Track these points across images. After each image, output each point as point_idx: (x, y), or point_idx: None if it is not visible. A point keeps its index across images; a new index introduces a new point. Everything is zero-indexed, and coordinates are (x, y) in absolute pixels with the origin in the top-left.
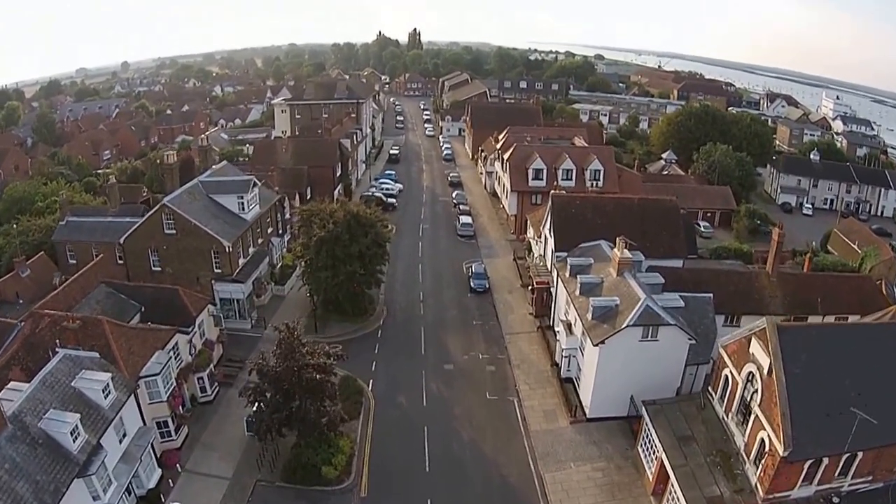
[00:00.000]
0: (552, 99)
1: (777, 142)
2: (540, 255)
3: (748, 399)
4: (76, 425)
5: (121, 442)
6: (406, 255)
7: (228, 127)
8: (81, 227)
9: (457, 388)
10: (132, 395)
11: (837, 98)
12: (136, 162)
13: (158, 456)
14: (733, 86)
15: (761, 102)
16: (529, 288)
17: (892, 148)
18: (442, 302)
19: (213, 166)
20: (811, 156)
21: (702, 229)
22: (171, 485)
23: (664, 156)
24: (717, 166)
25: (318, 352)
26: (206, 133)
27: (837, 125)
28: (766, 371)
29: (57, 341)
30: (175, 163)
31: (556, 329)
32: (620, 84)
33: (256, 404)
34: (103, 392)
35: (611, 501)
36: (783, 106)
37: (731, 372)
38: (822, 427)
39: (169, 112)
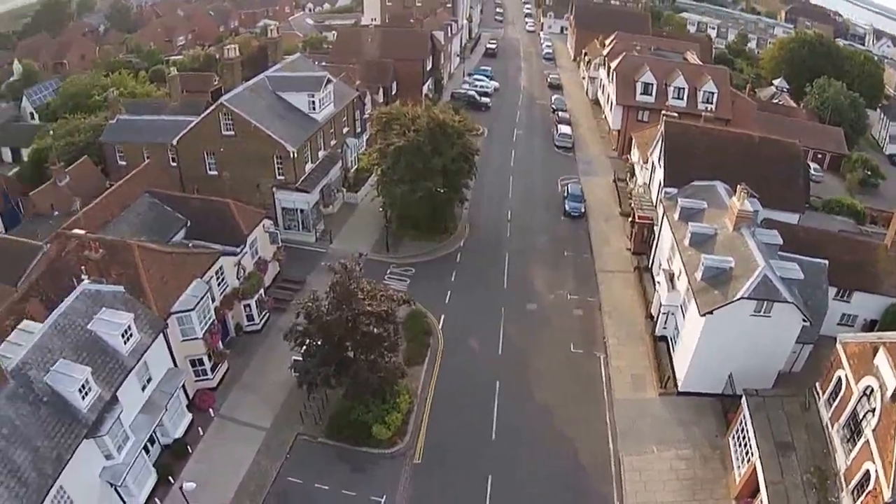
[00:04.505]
0: (659, 4)
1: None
2: (644, 185)
3: (860, 416)
4: (86, 380)
5: (144, 389)
6: (496, 164)
7: (316, 11)
8: (133, 127)
9: (538, 334)
10: (160, 335)
11: None
12: (210, 48)
13: (191, 397)
14: (841, 16)
15: (867, 38)
16: (630, 220)
17: None
18: (531, 225)
19: (286, 58)
20: None
21: (812, 172)
22: (202, 433)
23: (776, 83)
24: (830, 104)
25: (381, 295)
26: (291, 18)
27: None
28: (889, 394)
29: (82, 268)
30: (236, 58)
31: (657, 278)
32: None
33: (303, 349)
34: (123, 336)
35: (690, 502)
36: (889, 46)
37: (846, 377)
38: None
39: None
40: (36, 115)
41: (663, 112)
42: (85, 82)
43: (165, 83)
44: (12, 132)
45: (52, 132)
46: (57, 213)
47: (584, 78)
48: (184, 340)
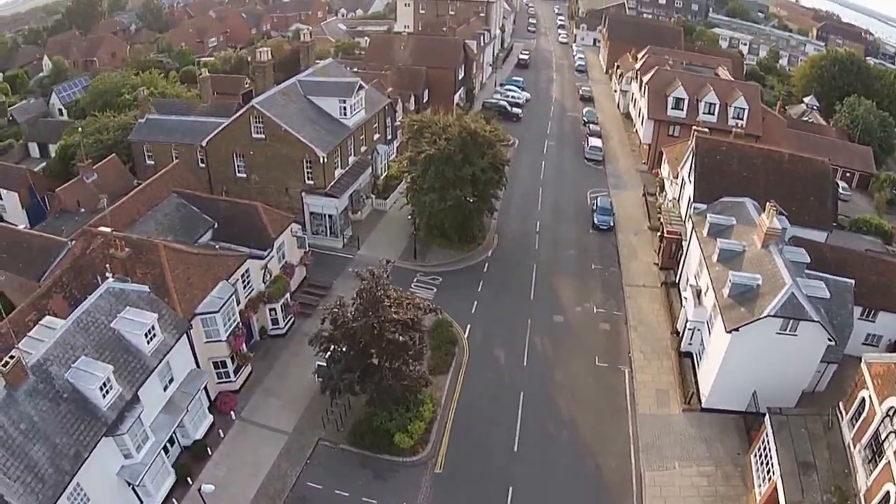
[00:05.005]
0: (691, 19)
1: None
2: (674, 200)
3: (882, 438)
4: (107, 379)
5: (165, 389)
6: (526, 174)
7: (348, 17)
8: (162, 126)
9: (564, 347)
10: (184, 336)
11: None
12: (242, 51)
13: (213, 399)
14: (872, 35)
15: None
16: (658, 235)
17: None
18: (560, 236)
19: (318, 62)
20: None
21: (840, 191)
22: (222, 435)
23: (806, 100)
24: (859, 122)
25: (407, 303)
26: (324, 23)
27: None
28: None
29: (107, 266)
30: (267, 61)
31: (684, 294)
32: (759, 13)
33: (328, 355)
34: (146, 336)
35: None
36: None
37: (870, 397)
38: None
39: None
40: (64, 112)
41: (694, 127)
42: (115, 80)
43: (196, 84)
44: (40, 128)
45: (80, 129)
46: (83, 210)
47: (615, 91)
48: (207, 342)
